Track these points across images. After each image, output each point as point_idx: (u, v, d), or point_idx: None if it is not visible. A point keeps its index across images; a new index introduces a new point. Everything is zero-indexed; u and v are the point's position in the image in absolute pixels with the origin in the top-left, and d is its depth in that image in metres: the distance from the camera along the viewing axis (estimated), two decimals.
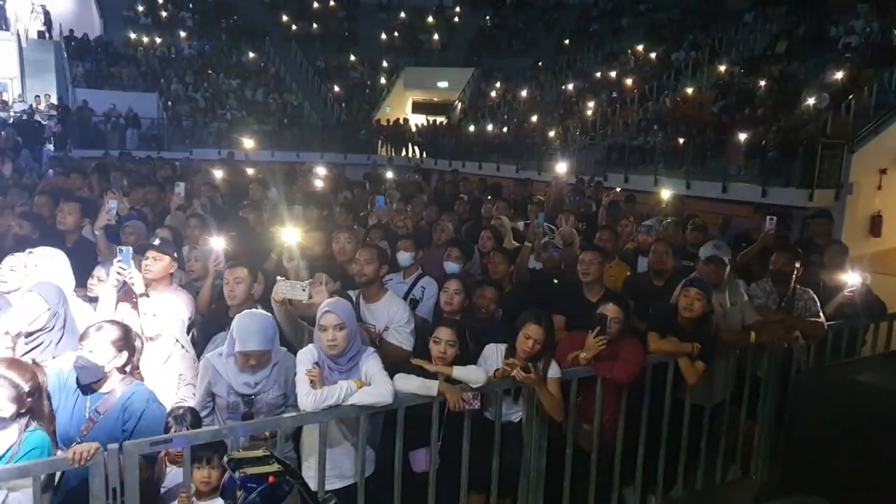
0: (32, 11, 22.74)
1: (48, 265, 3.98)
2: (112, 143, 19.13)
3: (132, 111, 20.74)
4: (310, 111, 25.54)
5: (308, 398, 3.00)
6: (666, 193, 8.06)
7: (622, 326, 3.77)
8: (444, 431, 3.46)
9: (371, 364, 3.24)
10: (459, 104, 26.71)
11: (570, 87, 22.69)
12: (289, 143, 21.87)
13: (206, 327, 4.16)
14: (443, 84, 27.78)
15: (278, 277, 3.60)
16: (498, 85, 26.03)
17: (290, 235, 4.01)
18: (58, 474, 2.83)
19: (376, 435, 3.52)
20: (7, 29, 21.83)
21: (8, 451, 2.61)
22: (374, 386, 3.14)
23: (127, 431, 2.84)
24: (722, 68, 18.32)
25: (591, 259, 4.41)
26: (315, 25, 29.35)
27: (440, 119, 26.02)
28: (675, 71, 19.82)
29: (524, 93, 24.25)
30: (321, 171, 9.98)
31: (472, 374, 3.42)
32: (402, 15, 30.63)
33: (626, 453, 3.99)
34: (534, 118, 21.20)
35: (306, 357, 3.18)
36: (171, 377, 3.54)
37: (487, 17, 29.90)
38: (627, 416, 3.89)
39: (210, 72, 25.47)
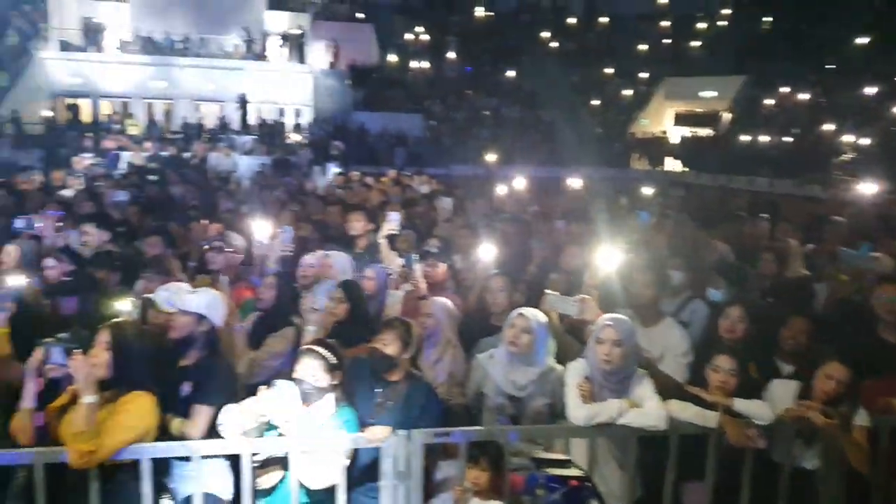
0: (326, 46, 26.59)
1: (337, 265, 4.65)
2: (383, 160, 21.47)
3: (400, 131, 23.13)
4: (563, 126, 25.94)
5: (579, 411, 3.06)
6: None
7: None
8: (719, 466, 3.26)
9: (644, 386, 3.20)
10: (727, 114, 24.92)
11: (871, 90, 19.81)
12: (542, 158, 22.43)
13: (469, 332, 4.48)
14: (708, 93, 26.18)
15: (547, 290, 3.73)
16: (775, 91, 23.73)
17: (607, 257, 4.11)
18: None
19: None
20: (304, 63, 25.84)
21: (325, 421, 3.07)
22: (647, 409, 3.09)
23: (410, 420, 3.17)
24: None
25: None
26: (572, 41, 29.83)
27: (704, 131, 24.56)
28: None
29: (807, 98, 21.79)
30: (577, 185, 10.05)
31: (758, 410, 3.17)
32: (664, 24, 29.62)
33: None
34: (823, 127, 18.91)
35: (576, 370, 3.24)
36: (442, 375, 3.87)
37: (764, 19, 27.47)
38: None
39: (469, 92, 27.31)
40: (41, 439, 2.98)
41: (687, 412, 3.16)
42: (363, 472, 3.24)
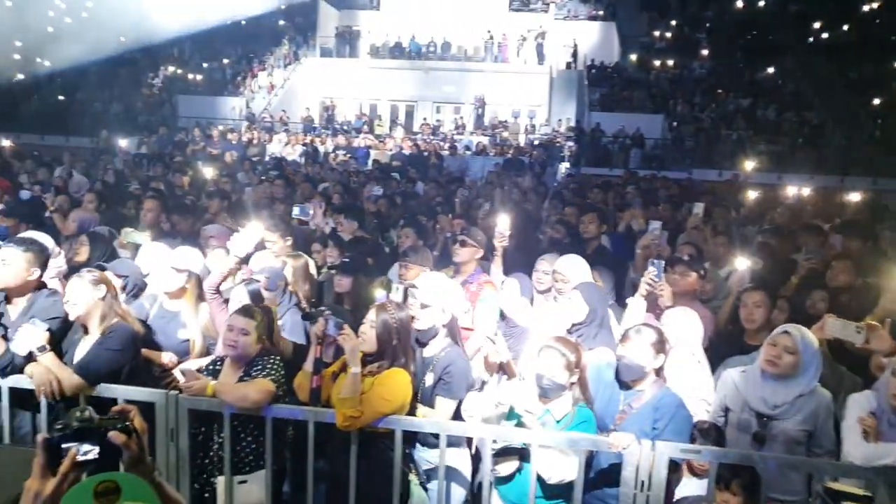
0: (564, 46, 26.82)
1: (574, 269, 4.68)
2: (617, 162, 21.04)
3: (638, 132, 22.45)
4: (833, 130, 23.18)
5: (859, 449, 2.80)
6: None
7: None
8: None
9: None
10: None
11: None
12: (802, 165, 20.29)
13: (718, 347, 4.26)
14: None
15: (827, 315, 3.44)
16: None
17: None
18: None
19: None
20: (542, 63, 26.31)
21: (564, 418, 3.17)
22: None
23: (657, 430, 3.13)
24: None
25: None
26: (852, 33, 26.49)
27: None
28: None
29: None
30: (855, 196, 8.99)
31: None
32: None
33: None
34: None
35: (860, 404, 2.97)
36: (683, 389, 3.74)
37: None
38: None
39: (720, 91, 25.61)
40: (315, 399, 3.47)
41: None
42: (600, 476, 3.28)
